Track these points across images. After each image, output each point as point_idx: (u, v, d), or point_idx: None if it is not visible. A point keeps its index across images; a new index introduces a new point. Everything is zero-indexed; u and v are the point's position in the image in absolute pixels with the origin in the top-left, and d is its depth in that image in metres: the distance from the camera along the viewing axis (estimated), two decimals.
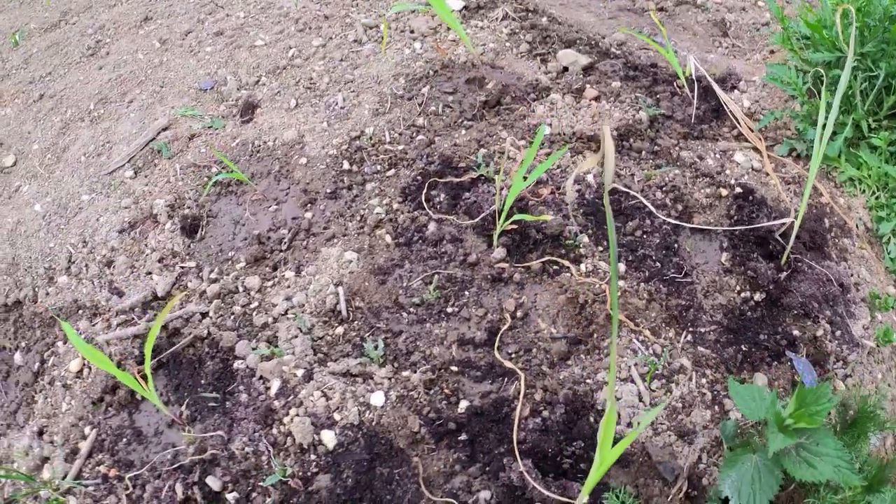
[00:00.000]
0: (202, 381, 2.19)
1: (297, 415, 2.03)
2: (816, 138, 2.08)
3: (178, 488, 2.00)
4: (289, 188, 2.53)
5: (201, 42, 3.29)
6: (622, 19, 3.24)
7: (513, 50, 2.92)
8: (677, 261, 2.25)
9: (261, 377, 2.13)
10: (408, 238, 2.26)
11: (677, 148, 2.54)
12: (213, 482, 1.97)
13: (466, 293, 2.15)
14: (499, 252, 2.19)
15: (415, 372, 2.03)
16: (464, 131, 2.58)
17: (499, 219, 2.17)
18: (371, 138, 2.60)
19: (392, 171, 2.48)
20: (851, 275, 2.36)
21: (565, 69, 2.84)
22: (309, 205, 2.49)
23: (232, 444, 2.07)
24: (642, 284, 2.18)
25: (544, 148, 2.50)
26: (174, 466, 2.01)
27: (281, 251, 2.40)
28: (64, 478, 2.06)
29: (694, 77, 2.71)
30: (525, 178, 2.10)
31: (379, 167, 2.50)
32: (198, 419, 2.17)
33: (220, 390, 2.18)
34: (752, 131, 2.69)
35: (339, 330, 2.15)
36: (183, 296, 2.35)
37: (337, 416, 1.95)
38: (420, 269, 2.19)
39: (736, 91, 2.82)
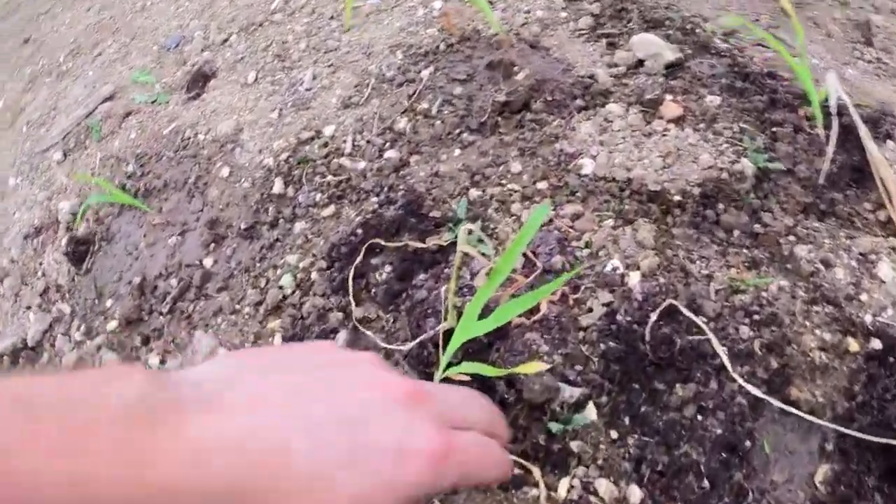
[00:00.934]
0: None
1: None
2: None
3: None
4: (200, 212, 1.52)
5: None
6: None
7: (569, 24, 1.50)
8: (741, 476, 0.94)
9: None
10: None
11: (791, 237, 1.14)
12: None
13: None
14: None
15: None
16: (457, 151, 1.28)
17: (441, 352, 0.94)
18: (326, 144, 1.40)
19: (331, 210, 1.27)
20: None
21: (640, 63, 1.40)
22: (213, 245, 1.30)
23: None
24: None
25: (573, 202, 1.18)
26: None
27: (161, 314, 1.32)
28: None
29: (832, 107, 1.28)
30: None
31: (318, 197, 1.30)
32: None
33: None
34: None
35: None
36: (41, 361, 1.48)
37: None
38: None
39: (891, 142, 1.28)
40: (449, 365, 0.94)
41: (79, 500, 0.30)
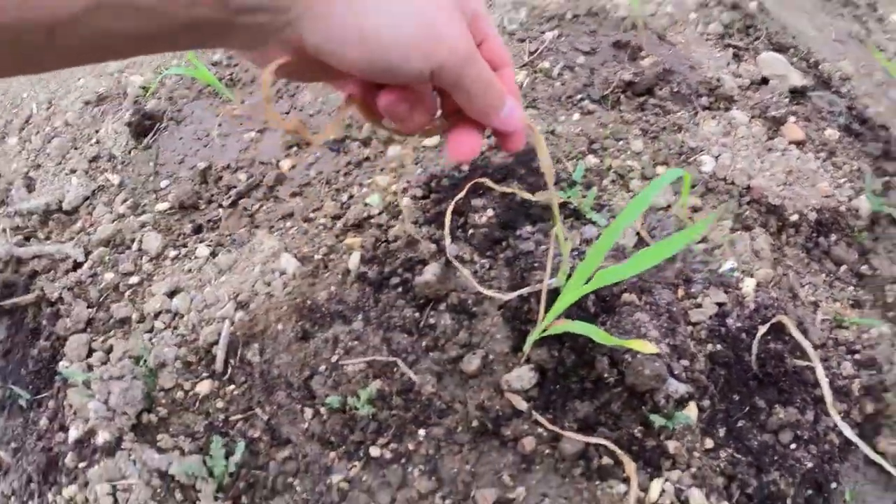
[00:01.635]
0: (28, 365, 1.07)
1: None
2: None
3: None
4: (286, 114, 1.32)
5: None
6: (850, 47, 1.68)
7: (698, 26, 1.36)
8: None
9: (70, 405, 0.94)
10: (384, 273, 0.92)
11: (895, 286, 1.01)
12: None
13: (422, 434, 0.81)
14: (522, 375, 0.81)
15: None
16: (576, 116, 1.13)
17: (543, 310, 0.78)
18: None
19: (434, 140, 1.10)
20: None
21: (764, 80, 1.28)
22: (295, 148, 1.14)
23: (5, 480, 1.03)
24: None
25: (692, 194, 1.03)
26: None
27: (220, 206, 1.10)
28: None
29: None
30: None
31: None
32: (5, 410, 1.15)
33: (34, 391, 0.99)
34: None
35: (203, 388, 0.91)
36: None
37: None
38: (375, 340, 0.87)
39: None
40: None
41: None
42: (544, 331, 0.80)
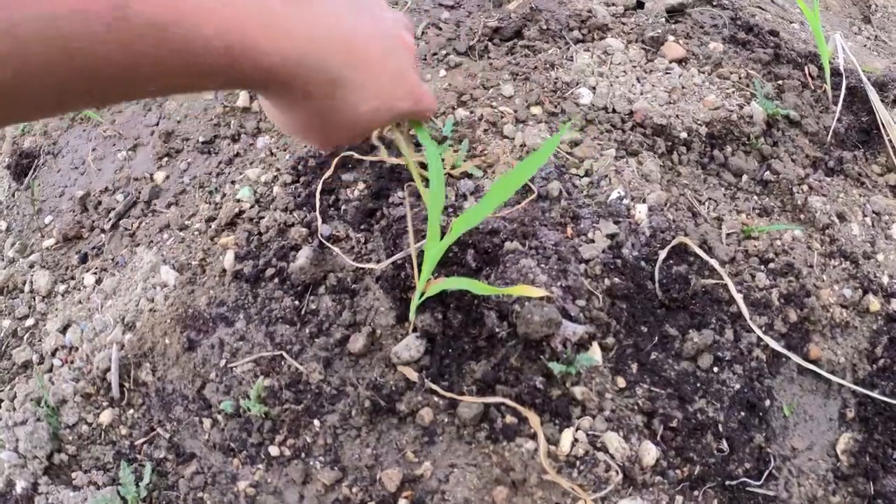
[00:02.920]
0: None
1: None
2: None
3: None
4: (155, 125, 1.20)
5: None
6: None
7: None
8: (761, 439, 0.71)
9: None
10: (258, 266, 0.79)
11: (804, 187, 0.92)
12: None
13: (317, 424, 0.70)
14: (410, 345, 0.69)
15: None
16: (443, 72, 1.02)
17: (417, 273, 0.67)
18: None
19: None
20: None
21: (640, 5, 1.15)
22: (167, 158, 1.01)
23: None
24: (679, 500, 0.65)
25: (573, 129, 0.91)
26: None
27: (102, 230, 0.95)
28: None
29: (840, 66, 1.07)
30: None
31: None
32: None
33: None
34: None
35: (105, 417, 0.80)
36: None
37: None
38: (258, 337, 0.75)
39: None
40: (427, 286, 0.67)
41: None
42: (423, 294, 0.69)
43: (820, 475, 0.72)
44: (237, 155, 0.97)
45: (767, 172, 0.94)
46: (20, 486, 0.79)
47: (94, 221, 1.01)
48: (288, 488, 0.71)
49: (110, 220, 0.99)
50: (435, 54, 1.03)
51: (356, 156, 0.86)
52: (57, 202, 1.08)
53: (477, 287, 0.64)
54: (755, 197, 0.92)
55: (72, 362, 0.88)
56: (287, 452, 0.72)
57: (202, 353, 0.79)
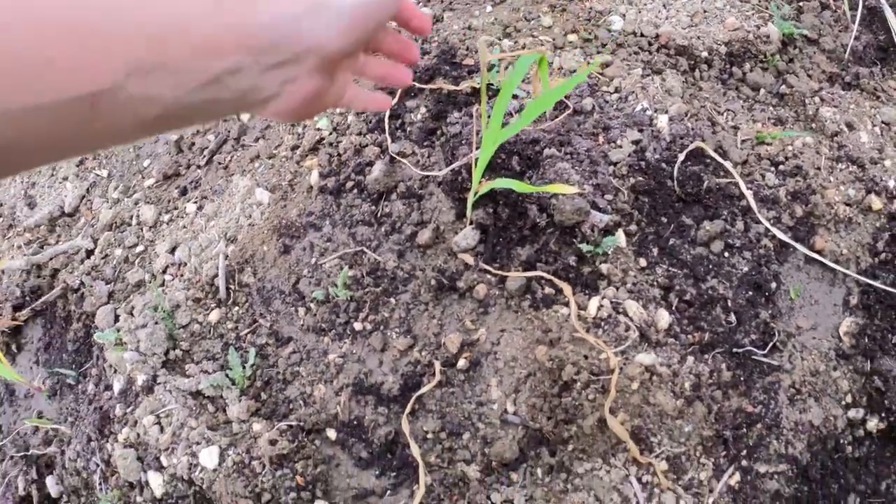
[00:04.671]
0: (67, 348, 1.18)
1: (126, 443, 1.00)
2: None
3: (20, 483, 1.14)
4: None
5: None
6: None
7: None
8: (767, 316, 0.91)
9: (110, 365, 1.09)
10: (340, 181, 1.04)
11: (817, 99, 1.10)
12: (52, 487, 1.09)
13: (393, 302, 0.95)
14: (467, 235, 0.93)
15: (273, 426, 0.92)
16: (489, 7, 1.22)
17: (473, 177, 0.89)
18: None
19: None
20: None
21: None
22: None
23: (70, 448, 1.21)
24: (690, 360, 0.86)
25: (603, 53, 1.11)
26: (20, 454, 1.17)
27: (198, 167, 1.23)
28: None
29: None
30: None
31: None
32: (57, 394, 1.31)
33: (78, 366, 1.17)
34: None
35: (213, 316, 1.06)
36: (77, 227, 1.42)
37: (164, 461, 0.95)
38: (342, 237, 1.00)
39: None
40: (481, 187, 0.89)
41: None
42: (476, 193, 0.91)
43: (822, 352, 0.91)
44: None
45: (783, 86, 1.11)
46: (141, 379, 1.05)
47: (189, 160, 1.27)
48: (370, 356, 0.95)
49: (205, 157, 1.24)
50: None
51: (417, 85, 1.07)
52: (152, 147, 1.35)
53: (519, 186, 0.85)
54: (771, 108, 1.09)
55: (182, 275, 1.15)
56: (368, 327, 0.96)
57: (295, 254, 1.04)
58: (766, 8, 1.19)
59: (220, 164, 1.23)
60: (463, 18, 1.19)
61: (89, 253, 1.27)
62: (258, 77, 0.39)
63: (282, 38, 0.39)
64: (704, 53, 1.12)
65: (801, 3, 1.23)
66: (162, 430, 0.96)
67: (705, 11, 1.17)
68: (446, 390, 0.90)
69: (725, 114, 1.08)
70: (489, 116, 0.89)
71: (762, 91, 1.12)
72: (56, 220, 1.39)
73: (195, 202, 1.22)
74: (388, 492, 0.88)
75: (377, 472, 0.89)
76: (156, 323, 1.10)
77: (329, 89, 0.46)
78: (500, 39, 1.13)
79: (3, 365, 1.11)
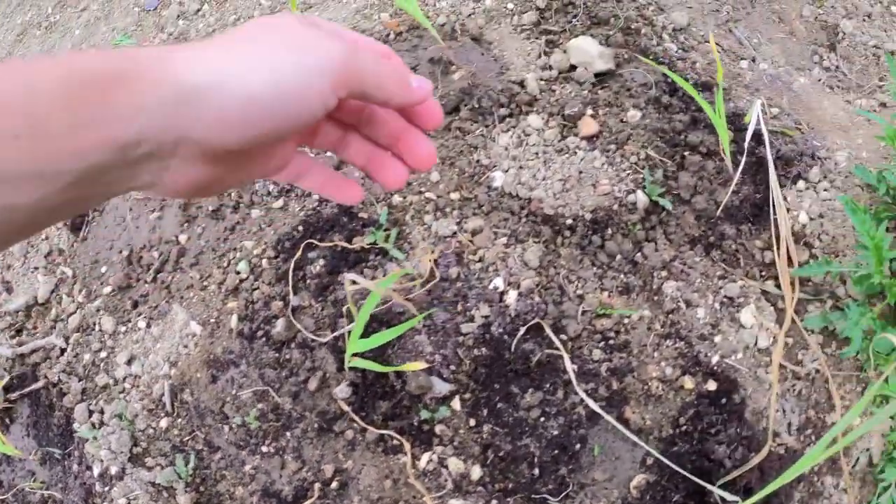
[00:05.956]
0: (52, 430, 2.02)
1: None
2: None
3: None
4: None
5: None
6: None
7: (512, 18, 1.90)
8: (567, 470, 1.52)
9: (89, 453, 1.83)
10: (252, 329, 1.69)
11: (664, 272, 1.62)
12: None
13: (289, 434, 1.63)
14: (343, 389, 1.59)
15: None
16: None
17: (347, 346, 1.52)
18: None
19: (280, 203, 1.84)
20: None
21: (573, 68, 1.83)
22: (186, 224, 2.00)
23: None
24: (493, 503, 1.51)
25: (478, 215, 1.70)
26: None
27: (146, 282, 1.98)
28: None
29: (748, 138, 1.64)
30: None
31: (271, 188, 1.87)
32: (47, 463, 2.07)
33: (63, 447, 2.00)
34: (791, 266, 1.63)
35: (163, 423, 1.77)
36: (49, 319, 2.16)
37: None
38: (254, 376, 1.67)
39: (801, 182, 1.71)
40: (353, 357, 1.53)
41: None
42: (349, 362, 1.55)
43: (610, 500, 1.53)
44: (237, 223, 1.84)
45: (639, 254, 1.65)
46: (113, 469, 1.79)
47: (138, 274, 1.95)
48: (273, 470, 1.65)
49: (151, 273, 1.92)
50: None
51: (315, 242, 1.70)
52: (108, 255, 2.03)
53: (378, 367, 1.48)
54: (622, 276, 1.65)
55: (138, 387, 1.85)
56: (272, 450, 1.65)
57: (221, 384, 1.72)
58: (643, 168, 1.71)
59: (163, 282, 1.91)
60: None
61: (62, 351, 2.00)
62: (129, 169, 0.48)
63: (146, 129, 0.47)
64: (569, 221, 1.67)
65: (685, 155, 1.72)
66: None
67: (580, 173, 1.71)
68: (323, 502, 1.60)
69: (576, 282, 1.65)
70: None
71: (618, 257, 1.66)
72: (31, 308, 2.12)
73: (145, 318, 1.91)
74: None
75: None
76: (122, 429, 1.84)
77: (228, 174, 0.55)
78: (389, 196, 1.72)
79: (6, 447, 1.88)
